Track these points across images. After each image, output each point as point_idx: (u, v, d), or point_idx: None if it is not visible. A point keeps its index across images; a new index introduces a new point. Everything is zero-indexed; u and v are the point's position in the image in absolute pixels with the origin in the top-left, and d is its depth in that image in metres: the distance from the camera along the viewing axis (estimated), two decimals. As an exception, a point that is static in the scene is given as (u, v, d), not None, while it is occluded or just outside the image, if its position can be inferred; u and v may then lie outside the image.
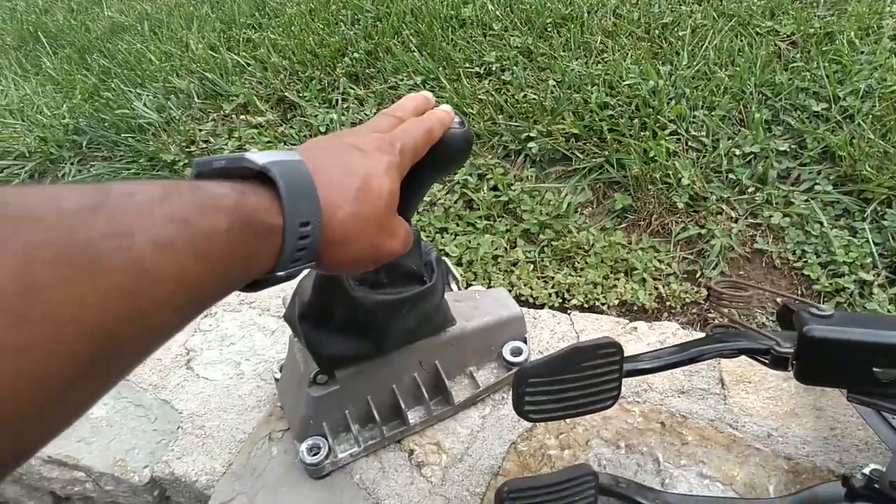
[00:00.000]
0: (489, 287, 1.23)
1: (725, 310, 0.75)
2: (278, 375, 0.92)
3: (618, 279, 1.20)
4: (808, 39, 1.72)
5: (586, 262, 1.24)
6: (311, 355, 0.77)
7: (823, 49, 1.67)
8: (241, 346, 1.04)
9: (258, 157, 0.41)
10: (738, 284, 0.76)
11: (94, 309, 0.27)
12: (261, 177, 0.40)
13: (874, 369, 0.65)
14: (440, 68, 1.85)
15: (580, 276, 1.21)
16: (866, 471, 0.75)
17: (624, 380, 0.72)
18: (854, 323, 0.67)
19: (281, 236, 0.40)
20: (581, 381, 0.66)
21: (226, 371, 1.00)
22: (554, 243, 1.30)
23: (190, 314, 0.34)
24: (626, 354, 0.70)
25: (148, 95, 2.04)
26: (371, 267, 0.51)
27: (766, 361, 0.70)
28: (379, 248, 0.48)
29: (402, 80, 1.85)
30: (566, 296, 1.19)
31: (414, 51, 1.93)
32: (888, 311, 1.09)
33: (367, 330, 0.77)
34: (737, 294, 0.76)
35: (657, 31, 1.83)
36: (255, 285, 0.42)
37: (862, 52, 1.64)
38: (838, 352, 0.66)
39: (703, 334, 1.01)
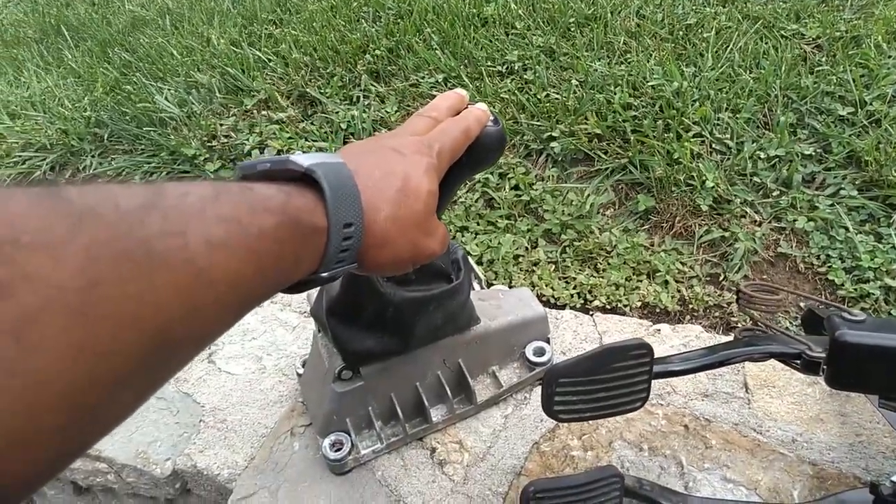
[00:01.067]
0: (510, 286, 1.23)
1: (756, 313, 0.75)
2: (301, 371, 0.92)
3: (640, 281, 1.19)
4: (834, 43, 1.70)
5: (608, 264, 1.24)
6: (338, 351, 0.77)
7: (850, 53, 1.65)
8: (263, 340, 1.04)
9: (302, 159, 0.41)
10: (769, 287, 0.75)
11: (150, 307, 0.27)
12: (305, 179, 0.41)
13: (907, 376, 0.65)
14: (462, 66, 1.84)
15: (602, 278, 1.21)
16: (895, 478, 0.74)
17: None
18: (887, 328, 0.66)
19: (325, 237, 0.40)
20: (611, 382, 0.66)
21: (247, 366, 1.00)
22: (576, 244, 1.30)
23: (239, 313, 0.34)
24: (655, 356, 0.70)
25: (169, 89, 2.05)
26: (411, 268, 0.51)
27: (797, 366, 0.69)
28: (418, 248, 0.49)
29: (423, 77, 1.85)
30: (588, 297, 1.18)
31: (436, 49, 1.92)
32: (915, 319, 1.08)
33: (394, 327, 0.77)
34: (768, 297, 0.75)
35: (681, 33, 1.82)
36: (297, 286, 0.42)
37: (889, 57, 1.63)
38: (871, 358, 0.65)
39: (726, 337, 1.01)
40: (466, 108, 0.61)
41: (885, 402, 0.70)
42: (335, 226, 0.40)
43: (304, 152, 0.43)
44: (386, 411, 0.84)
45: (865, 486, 0.75)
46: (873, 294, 1.12)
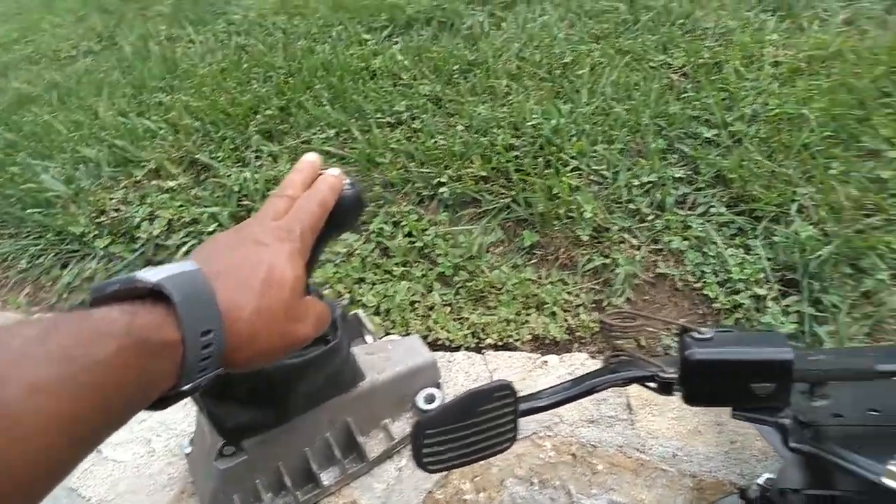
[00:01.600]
0: (407, 334, 1.25)
1: (619, 341, 0.78)
2: (188, 450, 0.90)
3: (529, 314, 1.23)
4: (698, 70, 1.82)
5: (499, 301, 1.27)
6: (215, 428, 0.76)
7: (712, 78, 1.77)
8: (153, 420, 1.02)
9: (151, 274, 0.40)
10: (629, 314, 0.79)
11: None
12: (156, 293, 0.40)
13: (751, 385, 0.69)
14: (352, 120, 1.87)
15: (494, 315, 1.24)
16: (760, 480, 0.78)
17: (529, 417, 0.74)
18: (731, 343, 0.70)
19: (181, 349, 0.39)
20: (478, 427, 0.67)
21: (136, 450, 0.97)
22: (468, 284, 1.33)
23: (86, 445, 0.34)
24: (522, 394, 0.72)
25: (56, 167, 1.99)
26: (284, 356, 0.51)
27: (654, 388, 0.73)
28: (289, 336, 0.48)
29: (315, 133, 1.87)
30: (481, 335, 1.21)
31: (326, 105, 1.95)
32: (781, 323, 1.14)
33: (270, 396, 0.76)
34: (627, 324, 0.79)
35: (558, 71, 1.91)
36: (161, 403, 0.41)
37: (747, 79, 1.75)
38: (717, 372, 0.69)
39: (611, 363, 1.04)
40: (321, 174, 0.62)
41: (736, 413, 0.74)
42: (191, 336, 0.40)
43: (157, 265, 0.42)
44: (275, 482, 0.83)
45: (738, 491, 0.79)
46: (744, 304, 1.19)
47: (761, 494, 0.75)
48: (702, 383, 0.71)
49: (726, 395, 0.72)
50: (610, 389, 0.86)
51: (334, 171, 0.63)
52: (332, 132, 1.85)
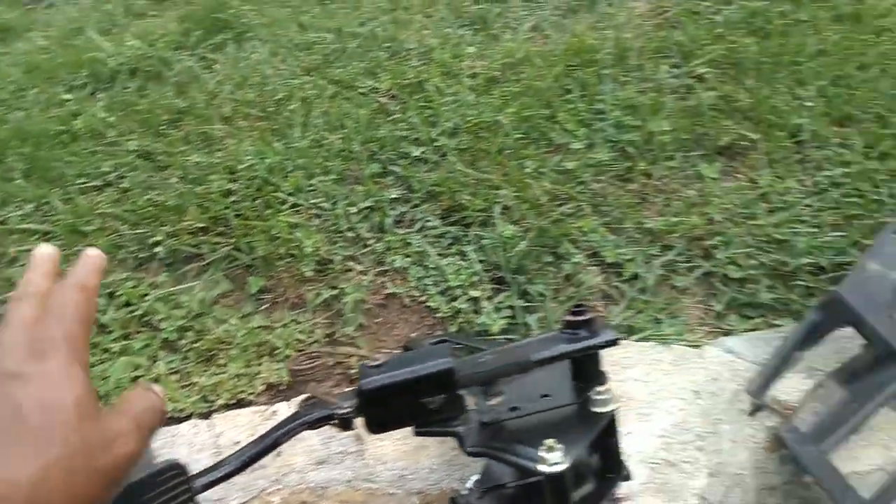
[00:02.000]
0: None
1: (310, 384, 0.78)
2: None
3: (261, 364, 1.20)
4: (404, 90, 1.91)
5: (230, 356, 1.22)
6: None
7: (416, 97, 1.86)
8: None
9: None
10: (311, 355, 0.80)
11: None
12: None
13: (423, 401, 0.72)
14: (53, 190, 1.71)
15: (224, 373, 1.19)
16: (469, 484, 0.82)
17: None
18: (399, 365, 0.73)
19: None
20: (148, 517, 0.63)
21: None
22: (195, 345, 1.26)
23: None
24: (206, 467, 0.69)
25: None
26: (117, 487, 0.41)
27: (338, 424, 0.73)
28: (108, 467, 0.38)
29: (11, 212, 1.68)
30: (212, 398, 1.15)
31: (19, 179, 1.76)
32: (494, 320, 1.23)
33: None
34: (312, 365, 0.80)
35: (272, 109, 1.90)
36: None
37: (448, 94, 1.87)
38: (389, 396, 0.71)
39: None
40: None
41: (418, 430, 0.77)
42: None
43: None
44: None
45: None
46: (463, 308, 1.26)
47: (468, 499, 0.79)
48: (378, 410, 0.72)
49: (403, 415, 0.74)
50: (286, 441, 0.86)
51: (91, 251, 0.50)
52: (29, 207, 1.67)
